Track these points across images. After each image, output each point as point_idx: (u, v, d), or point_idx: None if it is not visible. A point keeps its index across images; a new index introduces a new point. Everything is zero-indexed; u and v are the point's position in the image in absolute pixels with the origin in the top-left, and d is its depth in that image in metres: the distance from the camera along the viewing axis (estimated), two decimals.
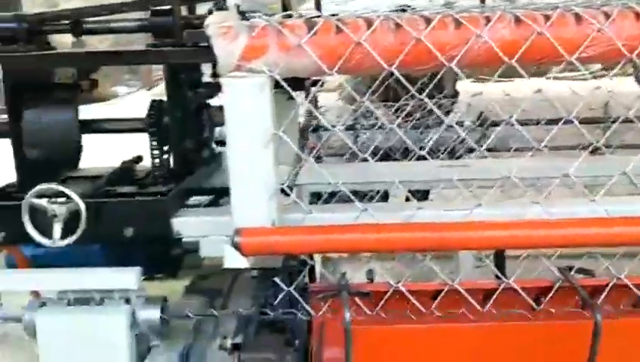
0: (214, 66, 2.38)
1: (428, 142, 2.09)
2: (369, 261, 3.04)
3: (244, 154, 1.63)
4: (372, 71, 1.63)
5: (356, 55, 1.57)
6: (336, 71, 1.57)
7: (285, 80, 1.60)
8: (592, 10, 1.56)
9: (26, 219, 1.81)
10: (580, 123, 1.75)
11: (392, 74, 1.61)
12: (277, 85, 1.62)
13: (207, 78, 2.35)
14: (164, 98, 2.18)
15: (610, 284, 1.73)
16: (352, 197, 1.75)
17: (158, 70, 15.86)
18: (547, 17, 1.54)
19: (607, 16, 1.54)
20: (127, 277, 1.75)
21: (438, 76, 1.92)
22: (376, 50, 1.55)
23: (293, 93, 1.68)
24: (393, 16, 1.57)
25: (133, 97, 13.75)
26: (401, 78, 1.60)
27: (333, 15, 1.62)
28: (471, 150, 3.52)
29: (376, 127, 3.65)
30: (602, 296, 1.71)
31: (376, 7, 1.64)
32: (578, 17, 1.54)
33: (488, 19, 1.54)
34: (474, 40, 1.52)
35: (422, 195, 2.82)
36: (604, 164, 2.28)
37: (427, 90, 1.82)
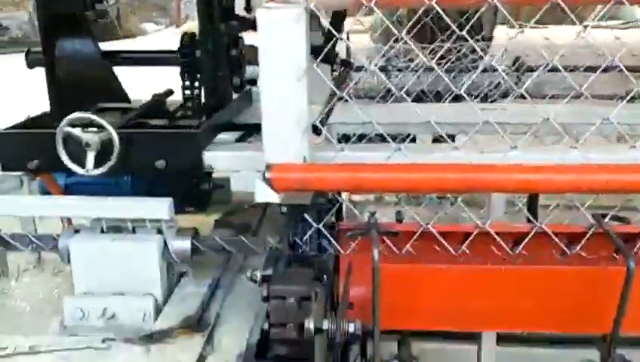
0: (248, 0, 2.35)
1: (463, 84, 2.04)
2: (396, 205, 3.02)
3: (277, 88, 1.60)
4: (411, 5, 1.58)
5: None
6: (374, 4, 1.52)
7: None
8: None
9: (60, 147, 1.82)
10: (620, 71, 1.70)
11: (427, 14, 1.56)
12: None
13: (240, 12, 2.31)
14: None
15: None
16: (386, 136, 1.73)
17: (186, 8, 15.72)
18: None
19: None
20: (160, 207, 1.76)
21: (477, 14, 1.86)
22: None
23: (329, 27, 1.64)
24: None
25: (161, 34, 13.66)
26: (442, 13, 1.54)
27: None
28: (505, 95, 3.44)
29: (409, 69, 3.58)
30: (635, 243, 1.68)
31: None
32: None
33: None
34: None
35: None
36: None
37: (465, 30, 1.75)
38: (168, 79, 2.40)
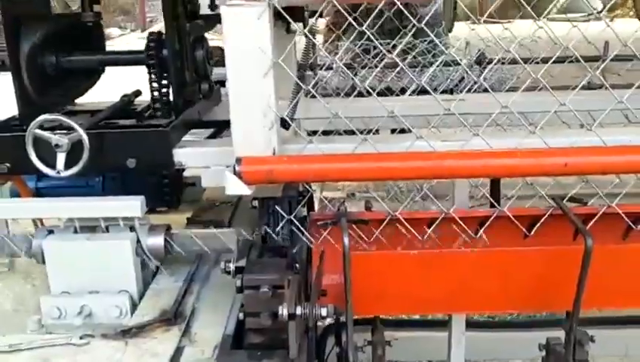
0: None
1: (424, 76, 2.11)
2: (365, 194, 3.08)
3: (245, 83, 1.64)
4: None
5: None
6: None
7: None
8: None
9: (30, 150, 1.83)
10: (578, 61, 1.78)
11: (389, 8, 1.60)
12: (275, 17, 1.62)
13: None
14: None
15: (601, 212, 1.78)
16: (352, 128, 1.78)
17: (151, 12, 15.63)
18: None
19: None
20: (132, 205, 1.79)
21: (436, 6, 1.92)
22: None
23: (293, 23, 1.68)
24: None
25: (126, 38, 13.55)
26: (402, 7, 1.60)
27: None
28: (468, 91, 3.53)
29: (374, 65, 3.65)
30: (593, 222, 1.76)
31: None
32: None
33: None
34: None
35: None
36: (600, 97, 2.30)
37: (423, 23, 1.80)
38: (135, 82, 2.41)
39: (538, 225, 1.80)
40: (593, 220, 1.80)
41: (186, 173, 2.54)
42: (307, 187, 1.92)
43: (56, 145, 1.83)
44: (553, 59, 1.78)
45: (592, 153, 1.66)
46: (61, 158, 1.84)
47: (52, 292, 1.79)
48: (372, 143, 1.73)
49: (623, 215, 1.80)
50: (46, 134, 1.84)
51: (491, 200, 1.88)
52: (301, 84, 1.75)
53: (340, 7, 1.62)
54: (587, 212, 1.84)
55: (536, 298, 1.90)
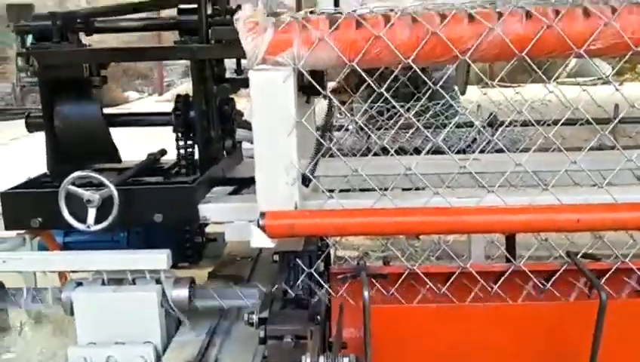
0: (238, 63, 2.50)
1: (440, 136, 2.18)
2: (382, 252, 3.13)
3: (269, 142, 1.73)
4: (390, 64, 1.73)
5: (375, 48, 1.67)
6: (356, 63, 1.67)
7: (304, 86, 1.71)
8: (600, 5, 1.65)
9: (62, 205, 1.91)
10: (588, 123, 1.86)
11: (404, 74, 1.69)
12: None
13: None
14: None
15: (615, 267, 1.82)
16: (372, 184, 1.85)
17: (169, 76, 16.08)
18: (557, 12, 1.63)
19: (614, 10, 1.63)
20: (159, 259, 1.85)
21: (450, 70, 2.02)
22: (394, 43, 1.65)
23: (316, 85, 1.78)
24: (410, 11, 1.67)
25: (144, 102, 13.87)
26: (419, 71, 1.70)
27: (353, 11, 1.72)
28: (481, 152, 3.59)
29: (390, 126, 3.74)
30: (606, 277, 1.79)
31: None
32: (586, 12, 1.63)
33: (500, 15, 1.63)
34: (487, 33, 1.61)
35: None
36: (610, 157, 2.37)
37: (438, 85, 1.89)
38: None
39: (553, 279, 1.83)
40: (607, 275, 1.84)
41: (207, 229, 2.62)
42: (327, 240, 1.98)
43: (88, 201, 1.91)
44: (563, 119, 1.86)
45: (604, 210, 1.72)
46: (92, 213, 1.92)
47: (79, 343, 1.84)
48: (390, 199, 1.80)
49: (637, 270, 1.84)
50: (79, 190, 1.93)
51: (507, 254, 1.93)
52: (323, 142, 1.84)
53: (361, 72, 1.71)
54: (601, 268, 1.87)
55: (552, 353, 1.92)
